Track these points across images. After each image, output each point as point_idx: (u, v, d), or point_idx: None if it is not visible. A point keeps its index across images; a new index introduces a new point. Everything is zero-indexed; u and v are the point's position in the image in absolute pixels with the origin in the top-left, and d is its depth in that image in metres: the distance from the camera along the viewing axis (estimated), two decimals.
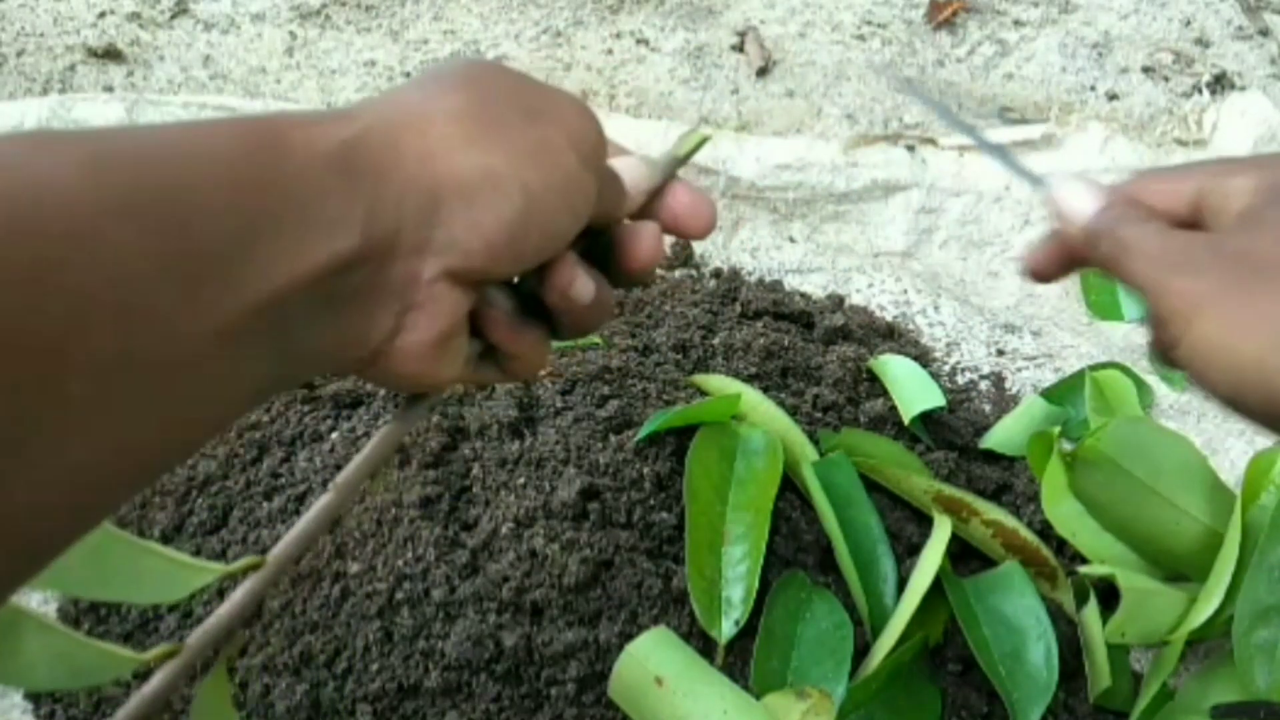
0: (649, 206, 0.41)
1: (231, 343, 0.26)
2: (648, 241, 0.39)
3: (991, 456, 0.67)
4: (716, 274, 0.79)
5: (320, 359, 0.30)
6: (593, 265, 0.38)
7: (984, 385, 0.74)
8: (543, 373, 0.61)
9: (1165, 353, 0.36)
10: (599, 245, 0.39)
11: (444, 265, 0.31)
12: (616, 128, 0.79)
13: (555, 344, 0.48)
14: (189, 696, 0.50)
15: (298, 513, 0.57)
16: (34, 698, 0.54)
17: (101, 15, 1.02)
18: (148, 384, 0.24)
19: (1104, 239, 0.36)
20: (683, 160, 0.42)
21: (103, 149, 0.24)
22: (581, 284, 0.37)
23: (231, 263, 0.25)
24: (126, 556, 0.35)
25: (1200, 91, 0.99)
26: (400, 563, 0.53)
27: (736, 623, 0.52)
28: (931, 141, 0.89)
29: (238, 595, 0.38)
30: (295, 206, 0.27)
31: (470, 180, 0.31)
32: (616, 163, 0.39)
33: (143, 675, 0.41)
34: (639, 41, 1.03)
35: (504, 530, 0.54)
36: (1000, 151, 0.43)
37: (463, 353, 0.35)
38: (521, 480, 0.55)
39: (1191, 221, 0.36)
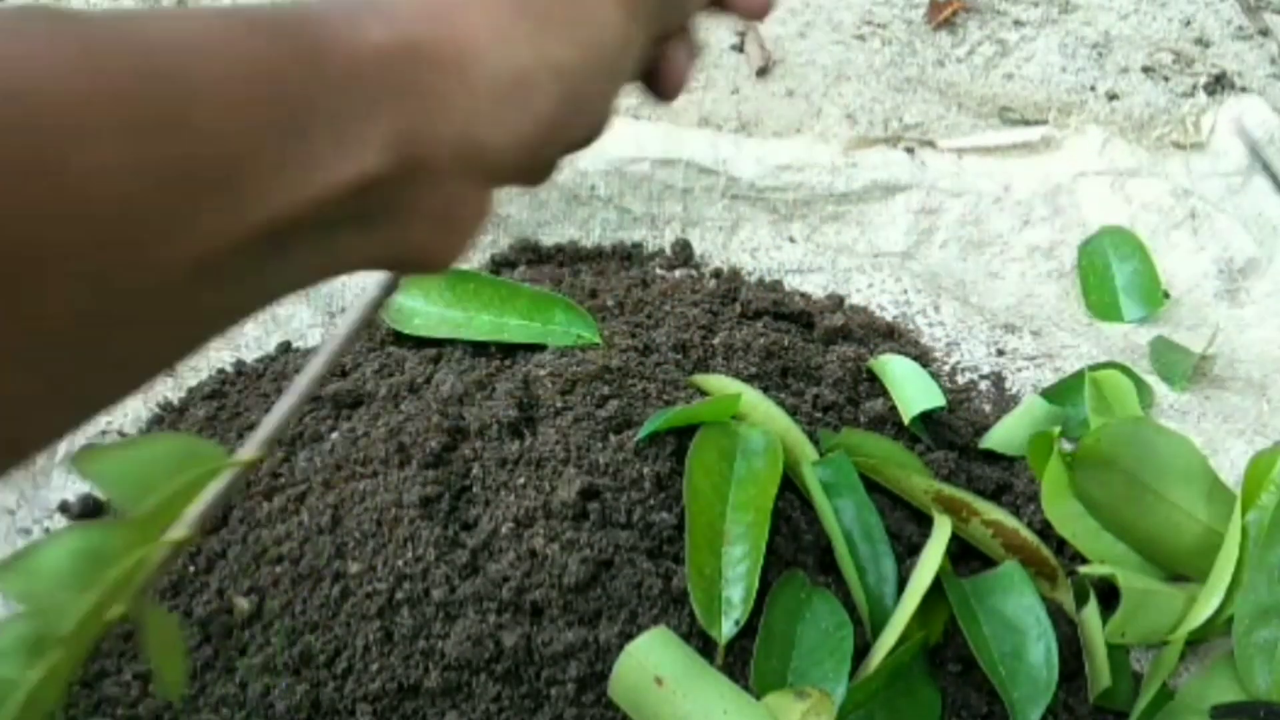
0: None
1: (226, 267, 0.23)
2: (684, 65, 0.37)
3: (991, 456, 0.67)
4: (716, 274, 0.79)
5: (337, 271, 0.28)
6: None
7: (984, 385, 0.74)
8: (542, 373, 0.61)
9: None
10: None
11: (483, 174, 0.30)
12: (617, 128, 0.79)
13: (555, 345, 0.46)
14: None
15: (298, 512, 0.57)
16: None
17: None
18: (124, 308, 0.22)
19: None
20: None
21: (104, 32, 0.21)
22: None
23: (244, 175, 0.23)
24: None
25: (1200, 92, 0.99)
26: (400, 563, 0.53)
27: (736, 623, 0.52)
28: (930, 143, 0.90)
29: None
30: (324, 119, 0.25)
31: (504, 84, 0.29)
32: None
33: None
34: None
35: (504, 530, 0.54)
36: None
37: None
38: (521, 480, 0.55)
39: None
